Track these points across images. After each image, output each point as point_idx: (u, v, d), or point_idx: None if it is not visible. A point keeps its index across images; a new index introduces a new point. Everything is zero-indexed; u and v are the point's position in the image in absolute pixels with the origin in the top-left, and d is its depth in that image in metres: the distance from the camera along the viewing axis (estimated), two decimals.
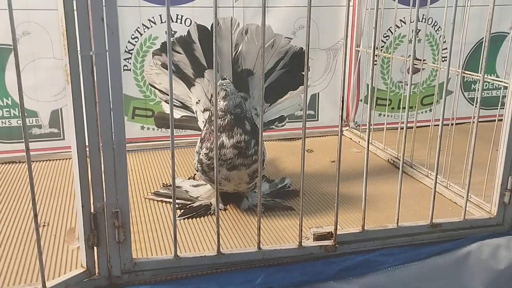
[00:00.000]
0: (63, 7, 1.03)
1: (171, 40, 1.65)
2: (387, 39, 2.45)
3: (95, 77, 1.08)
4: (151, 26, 2.14)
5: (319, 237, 1.34)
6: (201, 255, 1.25)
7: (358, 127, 2.46)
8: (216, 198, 1.22)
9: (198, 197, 1.68)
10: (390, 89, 2.48)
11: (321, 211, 1.64)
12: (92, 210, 1.15)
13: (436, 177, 1.40)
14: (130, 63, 2.16)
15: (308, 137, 2.40)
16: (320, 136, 2.43)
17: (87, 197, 1.14)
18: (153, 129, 2.25)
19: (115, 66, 1.09)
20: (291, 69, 1.71)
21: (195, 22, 1.64)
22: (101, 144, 1.12)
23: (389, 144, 2.16)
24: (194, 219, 1.57)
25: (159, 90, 1.77)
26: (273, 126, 1.81)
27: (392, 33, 2.43)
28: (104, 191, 1.14)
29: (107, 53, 1.08)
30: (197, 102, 1.70)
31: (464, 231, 1.43)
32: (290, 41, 1.74)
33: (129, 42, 2.13)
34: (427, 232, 1.41)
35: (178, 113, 1.77)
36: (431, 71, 2.57)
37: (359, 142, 2.34)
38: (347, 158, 2.14)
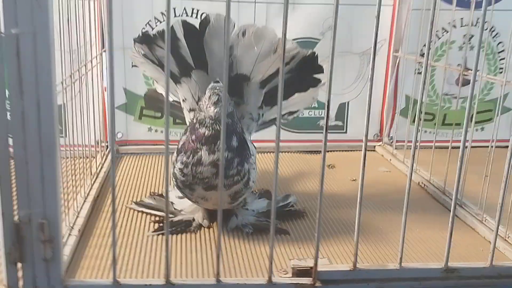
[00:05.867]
0: None
1: (153, 33, 1.46)
2: (432, 45, 2.14)
3: (21, 61, 0.91)
4: (164, 20, 1.97)
5: (298, 272, 1.09)
6: (147, 282, 1.03)
7: (392, 143, 2.16)
8: (166, 219, 1.00)
9: (182, 210, 1.47)
10: (434, 102, 2.17)
11: (321, 240, 1.38)
12: (15, 219, 0.97)
13: (455, 207, 1.11)
14: None
15: (333, 150, 2.15)
16: (347, 151, 2.16)
17: (9, 203, 0.96)
18: (161, 131, 2.07)
19: (44, 49, 0.91)
20: (298, 74, 1.48)
21: (180, 19, 1.42)
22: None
23: (422, 165, 1.86)
24: (170, 236, 1.36)
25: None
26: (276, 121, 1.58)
27: (438, 38, 2.13)
28: (30, 198, 0.96)
29: (35, 32, 0.90)
30: (183, 100, 1.51)
31: (490, 280, 1.13)
32: (297, 45, 1.49)
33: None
34: (440, 277, 1.11)
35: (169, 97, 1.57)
36: (485, 84, 2.23)
37: (390, 160, 2.04)
38: (373, 178, 1.86)
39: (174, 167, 1.30)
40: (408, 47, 2.05)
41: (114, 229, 0.99)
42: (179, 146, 1.31)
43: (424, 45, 2.11)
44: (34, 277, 1.00)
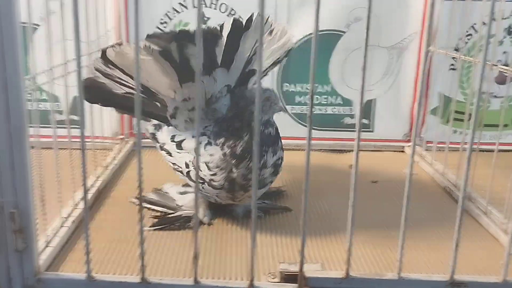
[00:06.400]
0: None
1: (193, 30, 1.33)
2: (469, 39, 1.99)
3: None
4: (182, 11, 1.93)
5: (286, 277, 1.01)
6: (121, 279, 0.98)
7: (422, 143, 2.02)
8: (140, 217, 0.95)
9: (182, 206, 1.42)
10: (470, 101, 2.01)
11: (323, 244, 1.29)
12: None
13: (462, 214, 0.99)
14: None
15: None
16: (373, 151, 2.04)
17: None
18: None
19: (10, 27, 0.87)
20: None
21: (234, 17, 1.32)
22: None
23: (453, 168, 1.71)
24: (167, 231, 1.32)
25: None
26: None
27: (476, 31, 1.97)
28: (1, 187, 0.93)
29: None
30: (184, 100, 1.38)
31: None
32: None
33: (157, 27, 1.94)
34: None
35: (122, 89, 1.41)
36: None
37: (418, 162, 1.90)
38: (396, 180, 1.75)
39: (230, 172, 1.26)
40: (442, 41, 1.91)
41: (87, 224, 0.95)
42: (237, 151, 1.25)
43: (460, 39, 1.97)
44: (8, 268, 0.97)
